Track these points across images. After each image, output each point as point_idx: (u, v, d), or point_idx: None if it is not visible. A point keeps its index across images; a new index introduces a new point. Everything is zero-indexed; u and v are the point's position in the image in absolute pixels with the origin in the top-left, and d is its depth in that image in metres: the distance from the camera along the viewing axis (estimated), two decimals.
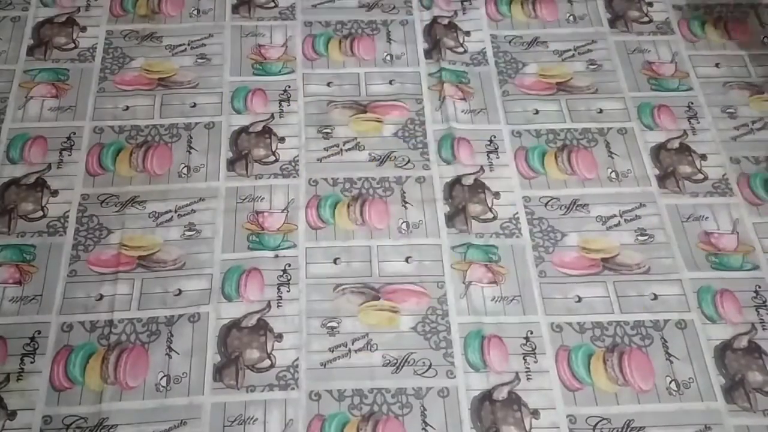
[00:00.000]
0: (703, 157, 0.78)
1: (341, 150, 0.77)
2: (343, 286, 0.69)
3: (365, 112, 0.80)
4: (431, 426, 0.62)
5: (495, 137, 0.79)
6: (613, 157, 0.78)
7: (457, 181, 0.76)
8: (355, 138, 0.78)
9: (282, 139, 0.78)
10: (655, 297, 0.69)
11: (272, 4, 0.88)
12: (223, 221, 0.72)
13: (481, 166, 0.77)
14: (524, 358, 0.66)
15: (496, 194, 0.75)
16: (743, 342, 0.67)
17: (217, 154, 0.76)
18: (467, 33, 0.87)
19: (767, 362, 0.66)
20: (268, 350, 0.65)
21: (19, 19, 0.86)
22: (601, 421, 0.63)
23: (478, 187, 0.76)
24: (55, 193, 0.73)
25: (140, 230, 0.71)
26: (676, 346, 0.67)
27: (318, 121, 0.79)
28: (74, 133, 0.77)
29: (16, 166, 0.75)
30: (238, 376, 0.64)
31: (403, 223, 0.72)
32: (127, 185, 0.74)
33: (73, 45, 0.84)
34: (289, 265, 0.70)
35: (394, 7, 0.88)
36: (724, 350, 0.67)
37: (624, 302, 0.69)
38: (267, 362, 0.65)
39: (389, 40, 0.86)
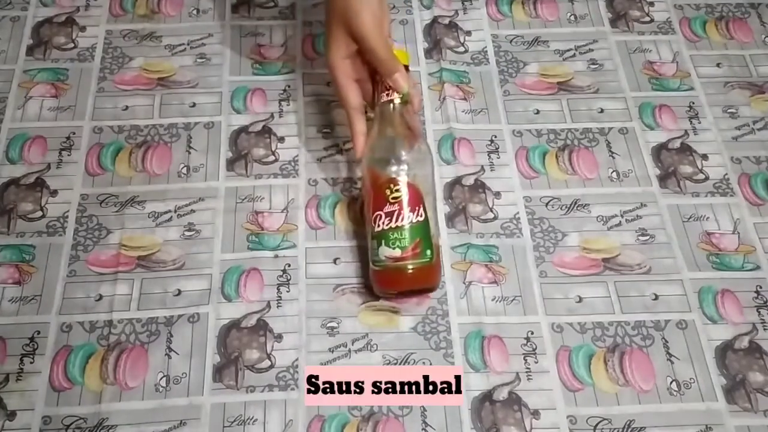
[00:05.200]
0: (704, 157, 0.78)
1: (341, 150, 0.77)
2: (343, 286, 0.69)
3: (365, 111, 0.79)
4: (431, 426, 0.62)
5: (496, 137, 0.79)
6: (614, 157, 0.78)
7: (457, 181, 0.76)
8: None
9: (282, 139, 0.78)
10: (656, 297, 0.69)
11: (272, 4, 0.88)
12: (222, 221, 0.72)
13: (482, 166, 0.77)
14: (525, 359, 0.66)
15: (497, 194, 0.75)
16: (744, 342, 0.67)
17: (216, 154, 0.76)
18: (468, 32, 0.87)
19: None
20: (268, 350, 0.65)
21: (19, 18, 0.86)
22: (601, 421, 0.63)
23: (479, 187, 0.75)
24: (54, 193, 0.73)
25: (140, 230, 0.71)
26: (677, 347, 0.67)
27: (318, 121, 0.79)
28: (74, 133, 0.77)
29: (16, 166, 0.75)
30: (238, 377, 0.64)
31: None
32: (127, 185, 0.74)
33: (72, 45, 0.84)
34: (289, 265, 0.70)
35: (393, 7, 0.88)
36: (725, 350, 0.67)
37: (625, 302, 0.69)
38: (267, 362, 0.65)
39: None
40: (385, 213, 0.64)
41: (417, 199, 0.64)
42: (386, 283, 0.65)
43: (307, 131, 0.79)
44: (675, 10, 0.91)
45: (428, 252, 0.64)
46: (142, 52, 0.83)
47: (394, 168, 0.65)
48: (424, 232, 0.64)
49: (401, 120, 0.67)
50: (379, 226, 0.64)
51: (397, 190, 0.64)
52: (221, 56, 0.84)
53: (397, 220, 0.64)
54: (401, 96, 0.66)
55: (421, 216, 0.64)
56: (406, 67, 0.67)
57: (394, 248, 0.63)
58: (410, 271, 0.64)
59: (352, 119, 0.68)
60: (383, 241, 0.64)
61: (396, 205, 0.64)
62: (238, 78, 0.82)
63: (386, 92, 0.67)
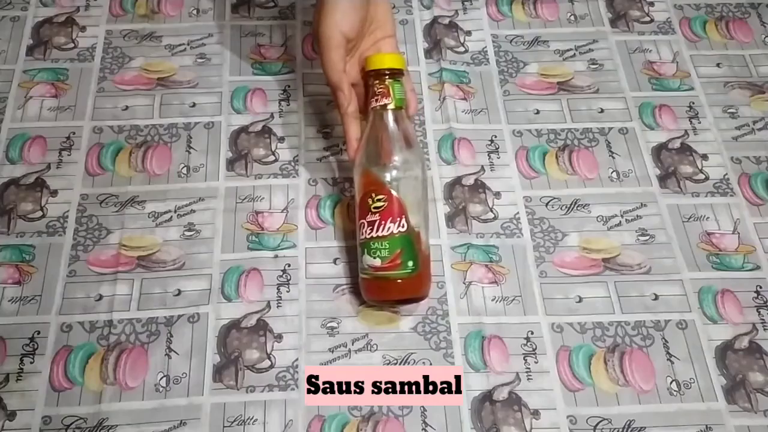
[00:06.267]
0: (704, 157, 0.78)
1: (341, 150, 0.77)
2: (343, 286, 0.69)
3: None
4: (431, 426, 0.62)
5: (496, 137, 0.79)
6: (614, 157, 0.78)
7: (457, 181, 0.76)
8: None
9: (282, 139, 0.78)
10: (656, 297, 0.69)
11: (272, 4, 0.88)
12: (222, 221, 0.72)
13: (482, 166, 0.77)
14: (525, 359, 0.66)
15: (497, 194, 0.75)
16: (744, 342, 0.67)
17: (216, 154, 0.76)
18: (468, 33, 0.87)
19: None
20: (268, 350, 0.65)
21: (18, 18, 0.86)
22: (601, 421, 0.63)
23: (479, 187, 0.75)
24: (54, 193, 0.73)
25: (139, 230, 0.71)
26: (677, 347, 0.67)
27: (318, 121, 0.79)
28: (74, 133, 0.77)
29: (16, 166, 0.75)
30: (238, 377, 0.64)
31: None
32: (127, 185, 0.74)
33: (72, 45, 0.84)
34: (289, 265, 0.70)
35: (394, 6, 0.88)
36: (725, 350, 0.67)
37: (625, 302, 0.69)
38: (267, 362, 0.65)
39: None
40: (368, 222, 0.64)
41: (400, 210, 0.63)
42: (371, 292, 0.65)
43: (306, 131, 0.79)
44: (675, 10, 0.91)
45: (410, 263, 0.63)
46: (142, 52, 0.83)
47: (383, 175, 0.64)
48: (405, 244, 0.63)
49: (394, 126, 0.66)
50: (362, 234, 0.64)
51: (378, 200, 0.63)
52: (221, 56, 0.84)
53: (378, 231, 0.63)
54: (395, 101, 0.65)
55: (403, 227, 0.63)
56: (400, 71, 0.66)
57: (375, 258, 0.63)
58: (392, 281, 0.63)
59: (346, 123, 0.68)
60: (366, 250, 0.64)
61: (377, 215, 0.63)
62: (238, 78, 0.82)
63: (378, 97, 0.65)
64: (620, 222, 0.74)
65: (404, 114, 0.67)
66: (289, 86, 0.82)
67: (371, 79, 0.66)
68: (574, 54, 0.86)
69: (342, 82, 0.65)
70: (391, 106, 0.65)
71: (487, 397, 0.64)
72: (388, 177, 0.64)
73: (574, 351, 0.66)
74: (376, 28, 0.68)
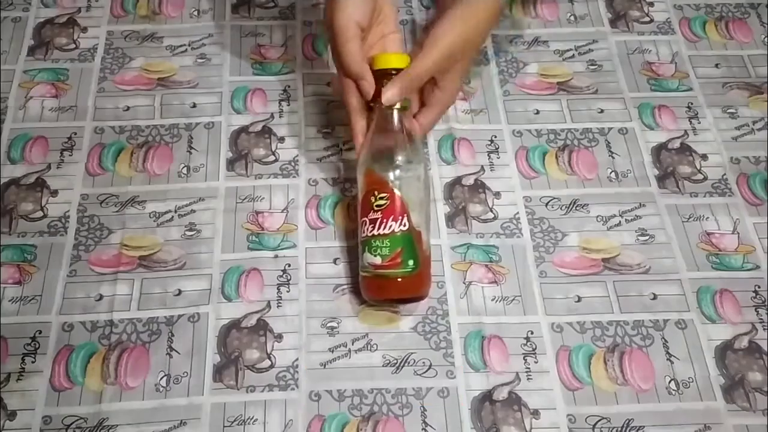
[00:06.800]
0: (704, 157, 0.78)
1: (341, 150, 0.77)
2: (343, 286, 0.69)
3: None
4: (431, 426, 0.62)
5: (496, 137, 0.79)
6: (613, 157, 0.78)
7: (457, 181, 0.76)
8: None
9: (282, 139, 0.78)
10: (655, 297, 0.69)
11: (272, 4, 0.89)
12: (222, 221, 0.72)
13: (482, 166, 0.77)
14: (524, 358, 0.66)
15: (497, 194, 0.75)
16: (744, 342, 0.67)
17: (216, 154, 0.76)
18: None
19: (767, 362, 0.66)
20: (268, 350, 0.65)
21: (20, 19, 0.86)
22: (600, 420, 0.63)
23: (479, 187, 0.76)
24: (54, 193, 0.73)
25: (140, 230, 0.72)
26: (676, 346, 0.67)
27: (318, 121, 0.79)
28: (75, 134, 0.77)
29: (17, 166, 0.75)
30: (238, 377, 0.64)
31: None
32: (127, 185, 0.74)
33: (73, 45, 0.84)
34: (289, 265, 0.70)
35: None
36: (724, 350, 0.67)
37: (624, 302, 0.69)
38: (267, 362, 0.65)
39: None
40: (369, 220, 0.64)
41: (401, 209, 0.63)
42: (370, 290, 0.65)
43: (307, 131, 0.79)
44: (675, 10, 0.91)
45: (410, 262, 0.63)
46: (143, 53, 0.84)
47: (386, 174, 0.64)
48: (406, 242, 0.63)
49: (398, 125, 0.66)
50: (363, 232, 0.64)
51: (381, 198, 0.63)
52: (221, 56, 0.84)
53: (379, 229, 0.63)
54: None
55: (404, 226, 0.63)
56: (399, 71, 0.66)
57: (375, 256, 0.63)
58: (392, 280, 0.63)
59: (353, 118, 0.68)
60: (366, 248, 0.64)
61: (379, 213, 0.63)
62: (238, 78, 0.82)
63: None
64: (620, 222, 0.74)
65: (408, 114, 0.67)
66: (289, 86, 0.82)
67: (377, 78, 0.66)
68: (574, 54, 0.86)
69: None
70: (396, 106, 0.65)
71: (486, 396, 0.64)
72: (391, 176, 0.64)
73: (573, 351, 0.66)
74: (381, 21, 0.68)
